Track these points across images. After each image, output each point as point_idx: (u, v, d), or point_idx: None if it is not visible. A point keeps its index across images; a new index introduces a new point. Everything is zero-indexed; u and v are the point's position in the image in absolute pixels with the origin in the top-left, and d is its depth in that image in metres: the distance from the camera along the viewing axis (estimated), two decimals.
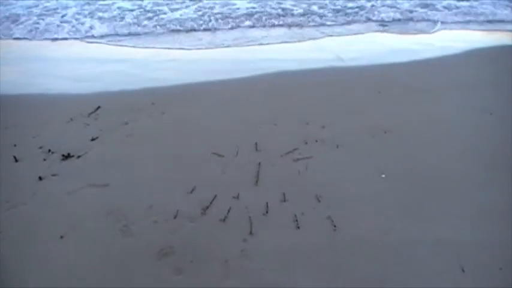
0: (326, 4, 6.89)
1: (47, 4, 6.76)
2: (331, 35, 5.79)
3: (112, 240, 2.23)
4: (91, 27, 5.95)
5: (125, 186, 2.64)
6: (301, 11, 6.64)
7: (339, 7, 6.79)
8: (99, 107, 3.61)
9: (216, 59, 4.98)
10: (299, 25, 6.17)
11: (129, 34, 5.80)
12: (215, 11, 6.61)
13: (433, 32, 5.96)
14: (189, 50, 5.29)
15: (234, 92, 4.00)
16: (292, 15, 6.50)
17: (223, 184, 2.63)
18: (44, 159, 2.91)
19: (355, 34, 5.89)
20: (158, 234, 2.25)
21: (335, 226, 2.30)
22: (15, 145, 3.07)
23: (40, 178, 2.71)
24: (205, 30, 6.02)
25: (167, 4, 6.86)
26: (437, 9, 6.76)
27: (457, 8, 6.82)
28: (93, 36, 5.71)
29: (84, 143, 3.10)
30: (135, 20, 6.22)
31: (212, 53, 5.20)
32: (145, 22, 6.17)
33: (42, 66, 4.74)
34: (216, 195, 2.52)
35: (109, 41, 5.59)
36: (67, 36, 5.72)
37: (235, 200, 2.50)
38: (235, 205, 2.45)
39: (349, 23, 6.29)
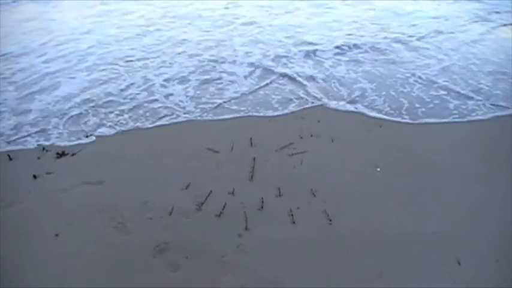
0: None
1: None
2: None
3: (107, 238, 2.22)
4: None
5: (119, 183, 2.63)
6: None
7: None
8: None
9: None
10: None
11: None
12: None
13: None
14: None
15: None
16: None
17: (219, 180, 2.62)
18: (39, 158, 2.90)
19: None
20: (154, 231, 2.24)
21: (330, 220, 2.29)
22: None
23: (35, 176, 2.70)
24: None
25: None
26: None
27: None
28: None
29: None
30: None
31: None
32: None
33: None
34: (211, 191, 2.51)
35: None
36: None
37: (231, 196, 2.49)
38: (230, 201, 2.44)
39: None
